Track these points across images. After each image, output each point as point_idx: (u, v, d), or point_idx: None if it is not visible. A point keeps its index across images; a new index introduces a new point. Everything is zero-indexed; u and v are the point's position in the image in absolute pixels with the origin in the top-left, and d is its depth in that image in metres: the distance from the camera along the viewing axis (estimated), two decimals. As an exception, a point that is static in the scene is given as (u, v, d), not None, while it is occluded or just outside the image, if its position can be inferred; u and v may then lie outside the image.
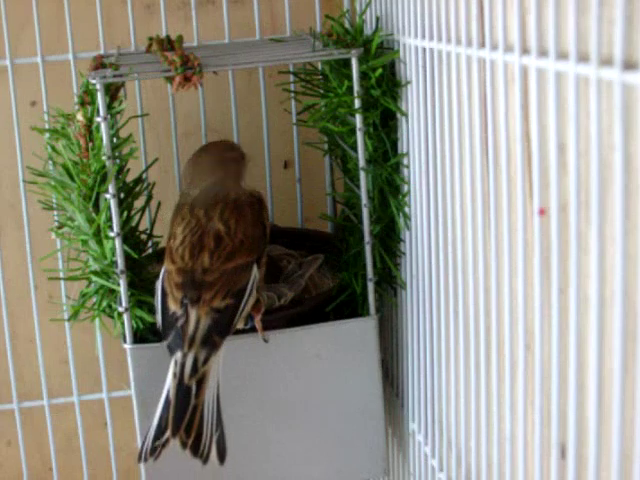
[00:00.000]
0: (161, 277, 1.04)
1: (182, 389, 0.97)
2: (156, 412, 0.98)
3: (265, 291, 1.09)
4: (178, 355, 0.98)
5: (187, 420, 0.96)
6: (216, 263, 1.02)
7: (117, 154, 1.05)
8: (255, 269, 1.04)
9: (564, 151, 0.67)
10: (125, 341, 1.08)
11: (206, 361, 0.98)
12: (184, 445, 0.96)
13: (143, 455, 0.97)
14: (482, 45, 0.80)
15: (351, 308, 1.12)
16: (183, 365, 0.98)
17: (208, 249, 1.03)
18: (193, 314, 1.00)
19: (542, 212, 0.71)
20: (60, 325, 1.29)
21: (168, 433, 0.96)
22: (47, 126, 1.19)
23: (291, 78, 1.23)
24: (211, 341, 0.99)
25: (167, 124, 1.30)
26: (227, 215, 1.06)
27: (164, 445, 0.97)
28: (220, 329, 0.99)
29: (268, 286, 1.11)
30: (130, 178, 1.10)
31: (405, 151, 1.06)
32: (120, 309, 1.07)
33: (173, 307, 1.01)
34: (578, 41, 0.62)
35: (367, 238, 1.08)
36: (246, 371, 1.08)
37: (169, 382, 0.98)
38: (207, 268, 1.02)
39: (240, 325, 1.03)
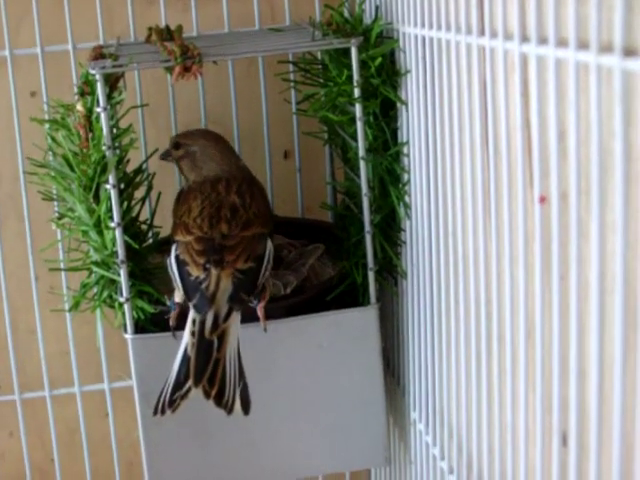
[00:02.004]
0: (173, 251, 1.06)
1: (204, 343, 0.98)
2: (173, 368, 0.98)
3: (271, 278, 1.09)
4: (197, 314, 1.00)
5: (210, 372, 0.97)
6: (234, 230, 1.06)
7: (117, 144, 1.05)
8: (269, 242, 1.07)
9: (564, 138, 0.67)
10: (126, 331, 1.08)
11: (227, 318, 1.00)
12: (207, 395, 0.97)
13: (160, 407, 0.98)
14: (482, 33, 0.80)
15: (352, 297, 1.12)
16: (203, 322, 0.99)
17: (225, 219, 1.07)
18: (214, 275, 1.02)
19: (543, 200, 0.71)
20: (61, 316, 1.29)
21: (190, 383, 0.97)
22: (47, 117, 1.19)
23: (291, 68, 1.22)
24: (238, 298, 1.01)
25: (167, 114, 1.29)
26: (243, 189, 1.10)
27: (184, 396, 0.97)
28: (246, 287, 1.02)
29: (273, 273, 1.11)
30: (130, 168, 1.10)
31: (405, 140, 1.06)
32: (121, 299, 1.07)
33: (196, 272, 1.03)
34: (578, 28, 0.62)
35: (367, 227, 1.08)
36: (247, 361, 1.08)
37: (186, 340, 0.99)
38: (226, 234, 1.05)
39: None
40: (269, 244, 1.07)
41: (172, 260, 1.05)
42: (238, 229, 1.06)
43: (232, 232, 1.06)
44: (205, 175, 1.13)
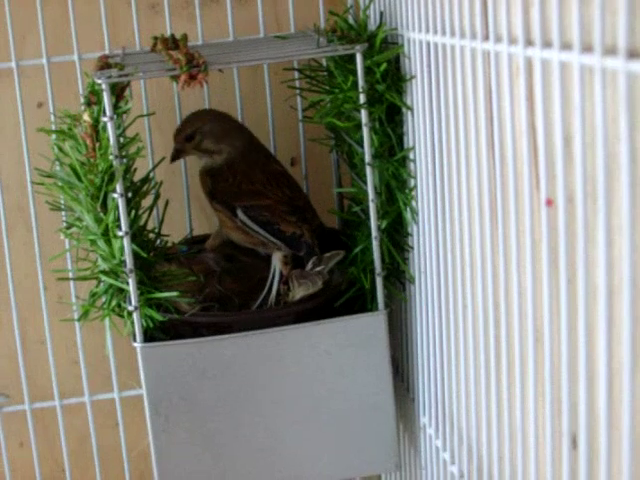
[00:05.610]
0: (245, 214, 1.16)
1: None
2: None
3: (296, 279, 1.11)
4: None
5: None
6: (296, 192, 1.22)
7: (124, 153, 1.05)
8: None
9: (570, 142, 0.67)
10: (135, 340, 1.08)
11: None
12: None
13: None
14: (486, 38, 0.80)
15: (360, 303, 1.12)
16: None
17: (285, 184, 1.21)
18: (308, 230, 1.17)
19: (549, 203, 0.71)
20: (70, 325, 1.30)
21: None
22: (54, 127, 1.19)
23: (296, 75, 1.23)
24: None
25: (173, 122, 1.30)
26: (272, 157, 1.26)
27: None
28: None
29: (298, 274, 1.12)
30: (137, 177, 1.10)
31: (411, 145, 1.06)
32: (130, 308, 1.07)
33: (291, 230, 1.17)
34: (582, 31, 0.62)
35: (375, 233, 1.08)
36: (257, 368, 1.09)
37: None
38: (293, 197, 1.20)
39: None
40: None
41: (253, 223, 1.16)
42: (298, 191, 1.21)
43: (296, 194, 1.20)
44: (229, 150, 1.21)
